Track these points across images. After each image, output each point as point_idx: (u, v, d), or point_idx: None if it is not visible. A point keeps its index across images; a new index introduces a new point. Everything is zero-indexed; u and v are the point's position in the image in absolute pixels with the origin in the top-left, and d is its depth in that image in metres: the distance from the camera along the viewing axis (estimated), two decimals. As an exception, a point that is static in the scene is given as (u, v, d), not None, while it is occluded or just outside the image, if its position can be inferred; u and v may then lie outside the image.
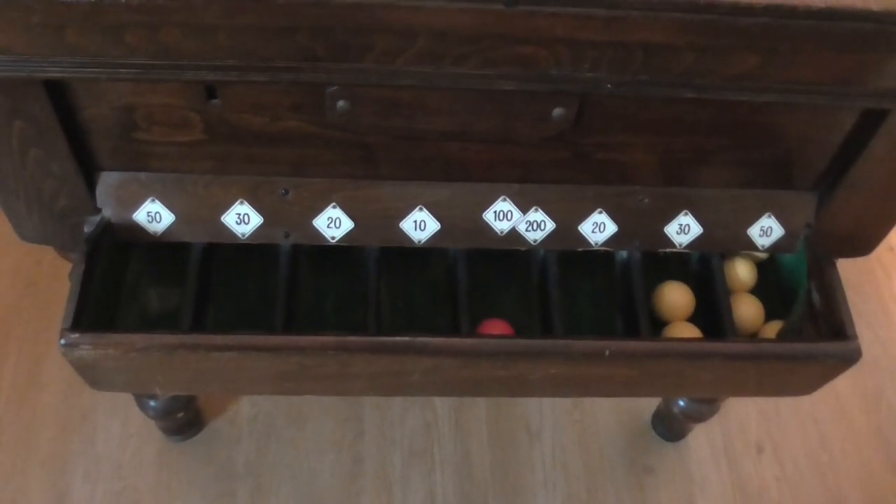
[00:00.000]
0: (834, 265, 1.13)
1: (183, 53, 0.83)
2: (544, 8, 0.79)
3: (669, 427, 1.68)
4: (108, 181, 1.02)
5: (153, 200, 1.02)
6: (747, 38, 0.84)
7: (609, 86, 0.88)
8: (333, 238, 1.05)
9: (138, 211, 1.03)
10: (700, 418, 1.55)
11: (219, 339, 0.96)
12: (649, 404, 1.73)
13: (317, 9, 0.78)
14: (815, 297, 1.10)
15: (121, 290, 1.12)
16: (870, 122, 0.98)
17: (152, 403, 1.42)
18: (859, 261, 1.25)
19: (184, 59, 0.83)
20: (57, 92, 0.90)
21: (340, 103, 0.92)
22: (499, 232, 1.07)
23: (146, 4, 0.77)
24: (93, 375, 1.01)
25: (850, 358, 1.02)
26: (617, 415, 1.73)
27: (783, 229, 1.11)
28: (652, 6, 0.80)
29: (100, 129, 0.96)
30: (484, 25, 0.81)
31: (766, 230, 1.11)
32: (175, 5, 0.78)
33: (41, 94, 0.89)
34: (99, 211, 1.03)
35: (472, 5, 0.79)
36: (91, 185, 1.02)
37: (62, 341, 0.93)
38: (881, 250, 1.81)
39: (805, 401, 1.76)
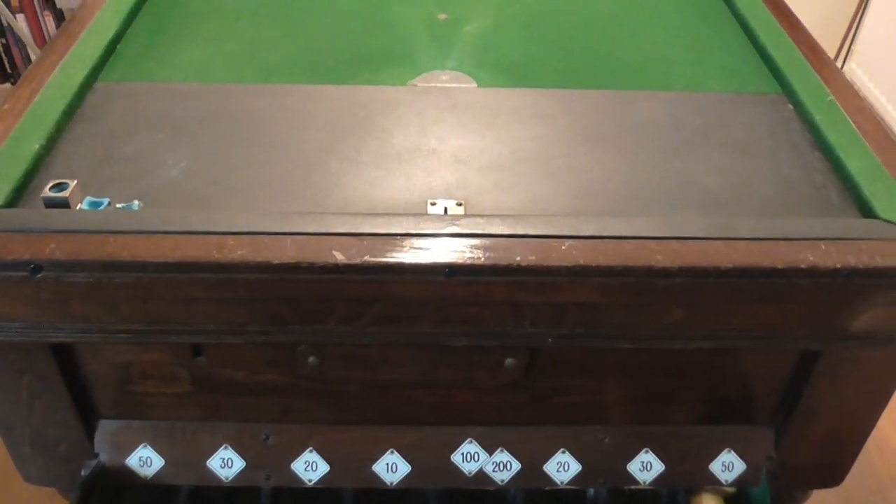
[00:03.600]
0: (805, 496, 1.16)
1: (169, 320, 0.94)
2: (480, 277, 0.90)
3: None
4: (105, 428, 1.11)
5: (145, 446, 1.11)
6: (669, 296, 0.94)
7: (550, 339, 0.97)
8: (311, 481, 1.11)
9: (131, 456, 1.11)
10: None
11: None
12: None
13: (282, 284, 0.90)
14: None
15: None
16: (808, 360, 1.05)
17: None
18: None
19: (170, 324, 0.95)
20: (61, 351, 1.02)
21: (310, 359, 1.02)
22: (467, 473, 1.12)
23: (136, 283, 0.90)
24: None
25: None
26: None
27: (744, 463, 1.15)
28: (574, 272, 0.90)
29: (99, 383, 1.07)
30: (430, 292, 0.92)
31: (727, 465, 1.14)
32: (161, 283, 0.90)
33: (47, 354, 1.00)
34: (96, 456, 1.11)
35: (416, 277, 0.90)
36: (90, 431, 1.11)
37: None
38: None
39: None
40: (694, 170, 1.12)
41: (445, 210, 1.03)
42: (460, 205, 1.04)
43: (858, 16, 2.99)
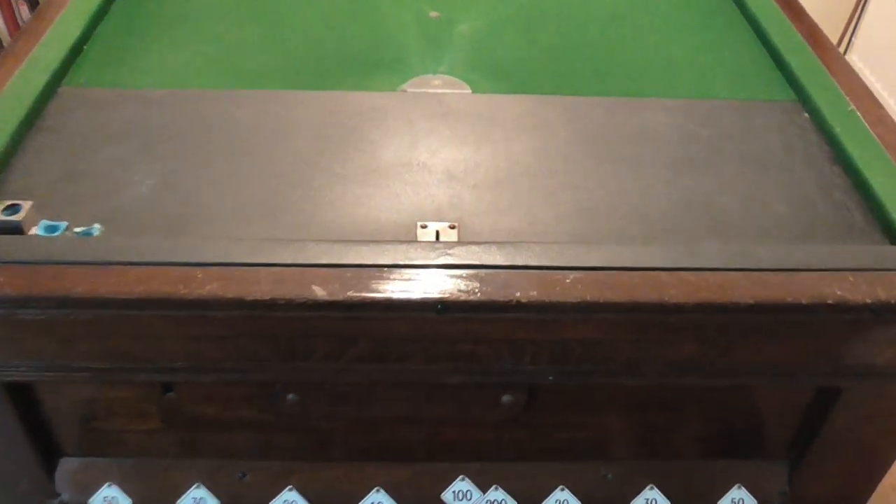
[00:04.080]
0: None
1: (134, 358, 0.86)
2: (476, 314, 0.82)
3: None
4: (67, 467, 1.03)
5: (110, 486, 1.02)
6: (681, 331, 0.86)
7: (551, 377, 0.89)
8: (291, 521, 1.03)
9: (95, 496, 1.03)
10: None
11: None
12: None
13: (258, 321, 0.82)
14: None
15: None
16: (827, 394, 0.98)
17: None
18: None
19: (135, 362, 0.86)
20: (17, 388, 0.93)
21: (290, 396, 0.93)
22: (459, 512, 1.04)
23: (95, 320, 0.81)
24: None
25: None
26: None
27: (755, 500, 1.07)
28: (579, 308, 0.82)
29: (60, 420, 0.98)
30: (421, 330, 0.84)
31: (737, 502, 1.07)
32: (122, 320, 0.81)
33: (1, 392, 0.91)
34: (57, 495, 1.03)
35: (405, 314, 0.82)
36: (51, 470, 1.02)
37: None
38: None
39: None
40: (704, 188, 1.04)
41: (437, 234, 0.94)
42: (453, 227, 0.95)
43: (859, 8, 2.91)
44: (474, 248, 0.87)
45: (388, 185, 1.01)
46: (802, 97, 1.20)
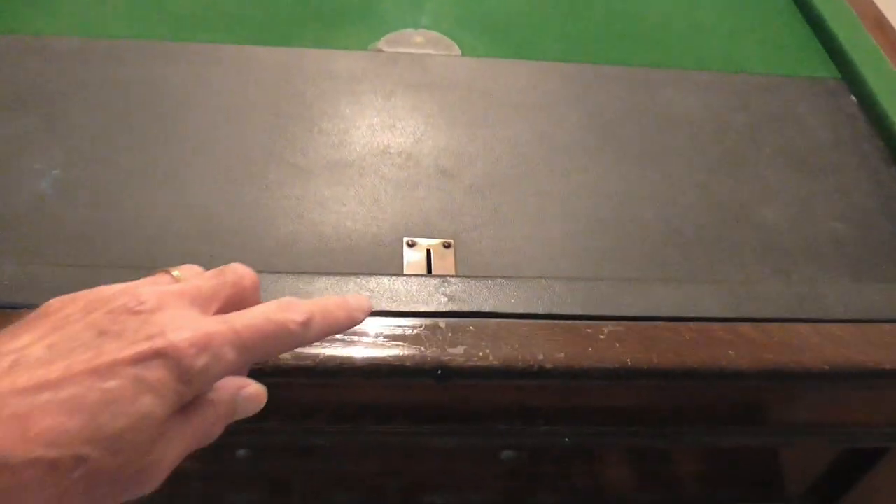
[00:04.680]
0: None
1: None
2: (487, 381, 0.64)
3: None
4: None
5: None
6: (732, 396, 0.70)
7: (567, 440, 0.72)
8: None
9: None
10: None
11: None
12: None
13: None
14: None
15: None
16: (874, 451, 0.84)
17: None
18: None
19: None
20: None
21: (240, 452, 0.74)
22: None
23: None
24: None
25: None
26: None
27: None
28: (617, 375, 0.64)
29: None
30: (413, 397, 0.65)
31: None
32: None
33: None
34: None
35: (394, 381, 0.63)
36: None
37: None
38: None
39: None
40: (743, 194, 0.86)
41: (428, 255, 0.75)
42: (448, 246, 0.76)
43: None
44: (481, 286, 0.67)
45: (362, 183, 0.81)
46: (848, 76, 1.02)
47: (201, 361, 0.35)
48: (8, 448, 0.31)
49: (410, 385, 0.64)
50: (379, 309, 0.64)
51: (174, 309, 0.37)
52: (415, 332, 0.63)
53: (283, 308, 0.39)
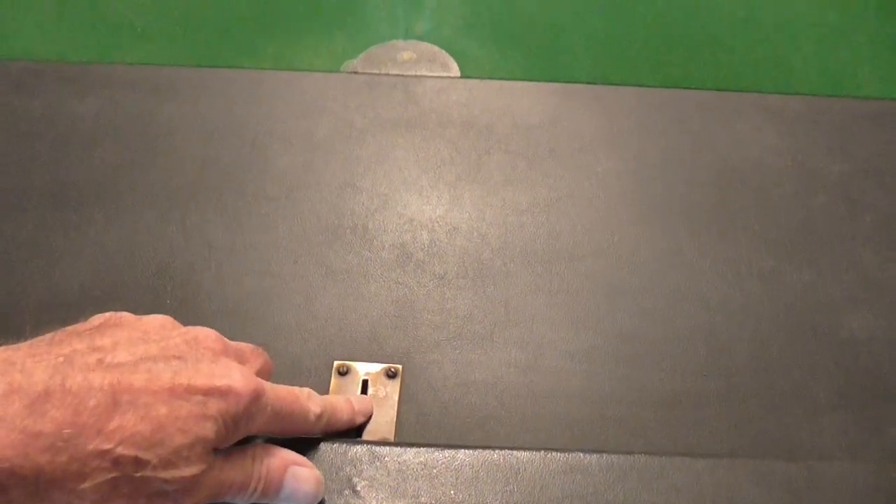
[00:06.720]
0: None
1: None
2: None
3: None
4: None
5: None
6: None
7: None
8: None
9: None
10: None
11: None
12: None
13: None
14: None
15: None
16: None
17: None
18: None
19: None
20: None
21: None
22: None
23: None
24: None
25: None
26: None
27: None
28: None
29: None
30: None
31: None
32: None
33: None
34: None
35: None
36: None
37: None
38: None
39: None
40: (830, 294, 0.61)
41: (364, 386, 0.54)
42: (394, 375, 0.55)
43: None
44: (421, 468, 0.46)
45: (294, 273, 0.60)
46: None
47: (251, 409, 0.39)
48: (85, 437, 0.34)
49: None
50: None
51: (234, 358, 0.42)
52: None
53: (306, 396, 0.45)
